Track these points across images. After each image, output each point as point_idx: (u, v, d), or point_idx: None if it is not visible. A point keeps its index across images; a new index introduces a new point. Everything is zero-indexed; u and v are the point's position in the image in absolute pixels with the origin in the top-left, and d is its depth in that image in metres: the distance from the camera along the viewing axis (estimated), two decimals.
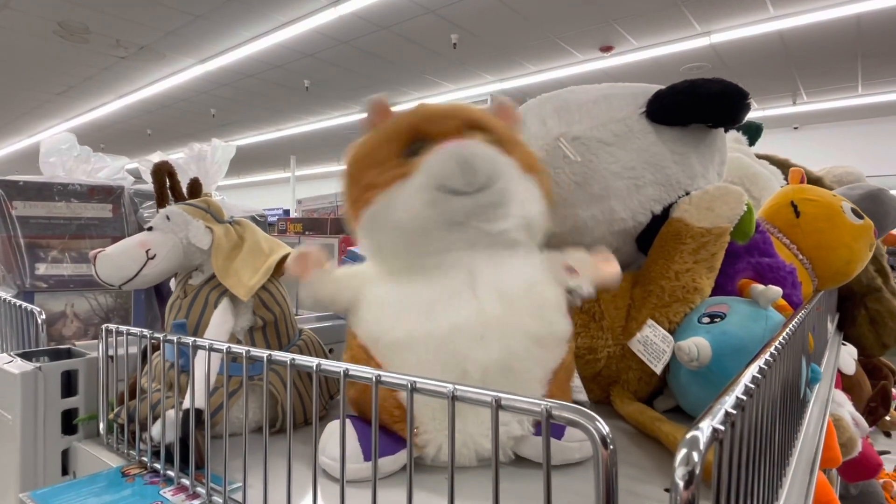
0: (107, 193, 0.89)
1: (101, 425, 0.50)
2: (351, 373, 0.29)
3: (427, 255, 0.45)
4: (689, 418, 0.56)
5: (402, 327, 0.43)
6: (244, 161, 9.13)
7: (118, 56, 5.29)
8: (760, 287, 0.54)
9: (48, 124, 7.58)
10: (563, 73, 5.12)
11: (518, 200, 0.45)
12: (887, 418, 1.94)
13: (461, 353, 0.42)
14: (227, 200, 1.07)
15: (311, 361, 0.31)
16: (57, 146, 0.96)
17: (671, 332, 0.56)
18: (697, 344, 0.50)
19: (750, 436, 0.27)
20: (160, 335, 0.44)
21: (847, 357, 1.19)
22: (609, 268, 0.49)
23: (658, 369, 0.53)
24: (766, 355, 0.30)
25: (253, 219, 1.03)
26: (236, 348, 0.36)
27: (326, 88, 6.01)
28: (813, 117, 6.49)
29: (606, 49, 4.82)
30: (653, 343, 0.55)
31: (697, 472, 0.19)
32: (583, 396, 0.60)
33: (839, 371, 1.15)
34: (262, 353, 0.34)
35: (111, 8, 4.28)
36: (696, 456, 0.19)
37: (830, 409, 1.00)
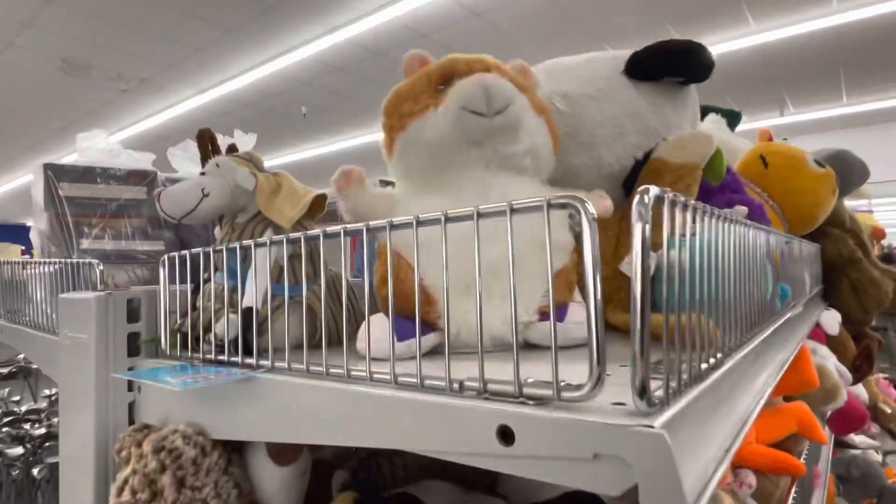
0: (142, 177, 0.97)
1: (163, 340, 0.58)
2: (395, 222, 0.38)
3: (449, 171, 0.54)
4: None
5: (425, 231, 0.51)
6: None
7: (120, 89, 5.43)
8: (728, 209, 0.63)
9: (47, 159, 7.69)
10: None
11: (527, 130, 0.54)
12: (888, 410, 2.00)
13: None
14: None
15: (361, 225, 0.39)
16: (91, 139, 1.05)
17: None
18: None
19: (699, 253, 0.35)
20: (220, 248, 0.52)
21: (831, 319, 1.27)
22: (604, 201, 0.58)
23: None
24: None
25: None
26: (294, 235, 0.44)
27: (324, 115, 6.16)
28: (801, 128, 6.68)
29: None
30: None
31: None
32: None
33: (823, 332, 1.22)
34: (318, 230, 0.42)
35: (113, 43, 4.43)
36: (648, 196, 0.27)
37: (815, 360, 1.08)
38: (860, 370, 1.27)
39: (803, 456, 1.02)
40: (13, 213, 10.28)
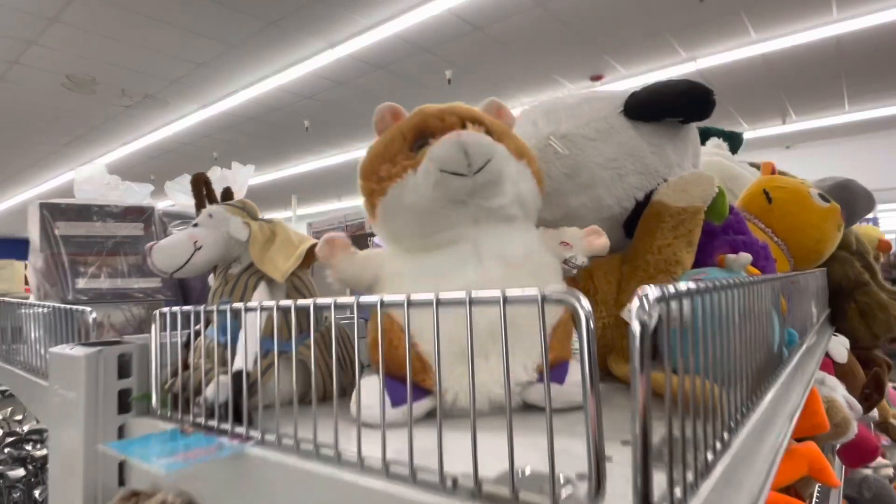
0: (139, 214, 0.97)
1: (154, 398, 0.56)
2: (386, 301, 0.36)
3: (437, 233, 0.53)
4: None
5: (419, 291, 0.50)
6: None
7: (123, 105, 5.47)
8: (733, 255, 0.62)
9: (53, 174, 7.74)
10: None
11: (511, 180, 0.53)
12: (893, 421, 1.97)
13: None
14: None
15: (351, 299, 0.38)
16: (90, 174, 1.05)
17: None
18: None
19: (702, 325, 0.33)
20: (211, 307, 0.51)
21: (839, 346, 1.24)
22: (598, 240, 0.57)
23: None
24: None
25: None
26: (284, 303, 0.43)
27: (326, 128, 6.19)
28: (803, 136, 6.67)
29: (596, 78, 5.01)
30: None
31: (652, 320, 0.26)
32: None
33: (832, 360, 1.20)
34: (308, 301, 0.41)
35: (117, 59, 4.47)
36: (648, 299, 0.26)
37: (823, 392, 1.06)
38: (870, 399, 1.24)
39: (815, 497, 0.99)
40: (20, 227, 10.35)
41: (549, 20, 3.97)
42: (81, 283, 0.88)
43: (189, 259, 0.58)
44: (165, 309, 0.56)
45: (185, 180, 1.02)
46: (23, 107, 5.41)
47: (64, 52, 4.33)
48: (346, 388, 0.63)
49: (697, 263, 0.68)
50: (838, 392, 1.11)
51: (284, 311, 0.61)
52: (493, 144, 0.51)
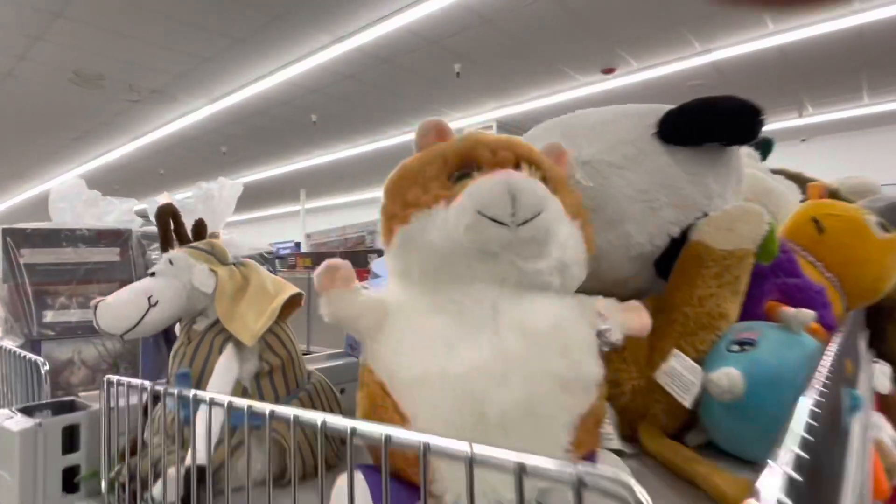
0: (115, 237, 0.88)
1: (103, 483, 0.48)
2: (359, 430, 0.27)
3: (454, 284, 0.43)
4: (723, 454, 0.52)
5: (420, 364, 0.41)
6: (256, 196, 9.26)
7: (131, 100, 5.44)
8: (791, 310, 0.51)
9: (63, 170, 7.76)
10: (566, 97, 5.16)
11: (558, 242, 0.43)
12: None
13: (479, 394, 0.39)
14: (237, 238, 1.06)
15: (316, 417, 0.29)
16: (66, 191, 0.96)
17: (698, 361, 0.53)
18: (729, 375, 0.47)
19: (810, 487, 0.24)
20: (161, 387, 0.42)
21: (881, 375, 1.13)
22: (639, 319, 0.47)
23: (688, 403, 0.50)
24: (816, 395, 0.27)
25: (262, 256, 1.02)
26: (238, 402, 0.34)
27: (334, 122, 6.11)
28: (820, 129, 6.45)
29: (608, 71, 4.86)
30: (680, 374, 0.52)
31: None
32: (613, 443, 0.56)
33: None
34: (265, 406, 0.32)
35: (125, 54, 4.43)
36: None
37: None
38: None
39: None
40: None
41: (559, 11, 3.83)
42: (49, 315, 0.80)
43: (142, 319, 0.49)
44: (114, 378, 0.47)
45: (165, 199, 0.93)
46: (31, 103, 5.39)
47: (70, 48, 4.29)
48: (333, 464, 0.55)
49: (743, 311, 0.58)
50: (884, 432, 1.00)
51: (258, 376, 0.52)
52: (547, 196, 0.41)
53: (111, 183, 7.64)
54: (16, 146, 6.74)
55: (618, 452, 0.51)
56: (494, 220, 0.40)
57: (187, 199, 0.94)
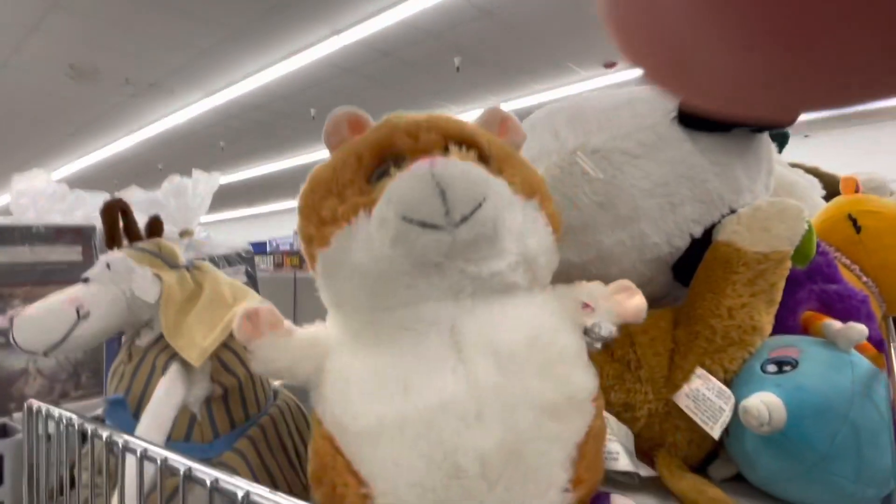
0: (75, 235, 0.81)
1: None
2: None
3: (395, 309, 0.35)
4: (756, 492, 0.45)
5: (371, 411, 0.33)
6: (255, 191, 9.20)
7: (128, 94, 5.38)
8: (837, 325, 0.44)
9: (59, 164, 7.70)
10: (567, 91, 5.09)
11: (514, 232, 0.35)
12: None
13: (450, 441, 0.31)
14: (213, 236, 0.99)
15: (238, 488, 0.21)
16: (29, 185, 0.89)
17: (728, 383, 0.45)
18: (768, 404, 0.39)
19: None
20: (91, 425, 0.35)
21: None
22: (631, 301, 0.39)
23: (716, 433, 0.43)
24: None
25: (238, 255, 0.94)
26: (174, 458, 0.27)
27: None
28: (823, 124, 6.36)
29: (611, 65, 4.79)
30: (706, 398, 0.44)
31: None
32: (619, 463, 0.49)
33: None
34: (209, 475, 0.24)
35: (120, 47, 4.37)
36: None
37: None
38: None
39: None
40: None
41: (561, 4, 3.74)
42: (2, 320, 0.73)
43: (68, 333, 0.41)
44: (35, 404, 0.39)
45: (136, 193, 0.86)
46: (26, 96, 5.33)
47: (65, 40, 4.23)
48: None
49: (776, 321, 0.50)
50: None
51: (209, 402, 0.44)
52: (486, 180, 0.33)
53: (109, 178, 7.58)
54: (10, 141, 6.67)
55: (630, 475, 0.44)
56: (425, 224, 0.32)
57: (156, 193, 0.87)
